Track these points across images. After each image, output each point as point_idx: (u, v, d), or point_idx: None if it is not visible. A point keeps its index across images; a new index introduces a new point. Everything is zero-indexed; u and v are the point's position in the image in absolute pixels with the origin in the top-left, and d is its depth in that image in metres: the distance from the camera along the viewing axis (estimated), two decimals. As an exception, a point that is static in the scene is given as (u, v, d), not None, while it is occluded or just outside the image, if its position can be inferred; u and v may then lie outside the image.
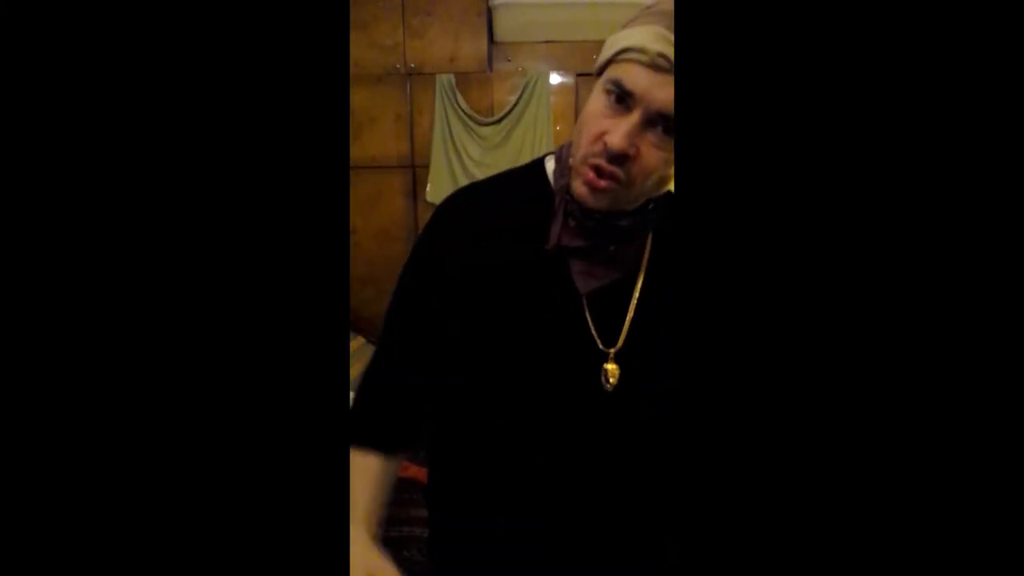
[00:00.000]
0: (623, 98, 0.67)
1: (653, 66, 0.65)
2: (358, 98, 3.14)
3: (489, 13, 3.15)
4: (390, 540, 2.22)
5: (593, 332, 0.75)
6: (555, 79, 3.11)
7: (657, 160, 0.69)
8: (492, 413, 0.76)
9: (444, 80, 3.12)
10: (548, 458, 0.75)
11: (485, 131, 3.15)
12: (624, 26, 0.69)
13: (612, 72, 0.68)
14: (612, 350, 0.75)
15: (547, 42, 3.14)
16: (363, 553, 0.76)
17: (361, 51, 3.13)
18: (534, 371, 0.75)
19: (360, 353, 3.00)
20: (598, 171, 0.69)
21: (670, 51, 0.64)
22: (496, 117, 3.13)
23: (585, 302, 0.76)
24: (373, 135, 3.19)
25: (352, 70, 3.09)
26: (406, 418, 0.83)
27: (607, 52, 0.69)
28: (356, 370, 2.80)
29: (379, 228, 3.19)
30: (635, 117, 0.67)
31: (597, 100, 0.69)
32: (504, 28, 3.17)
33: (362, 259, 3.14)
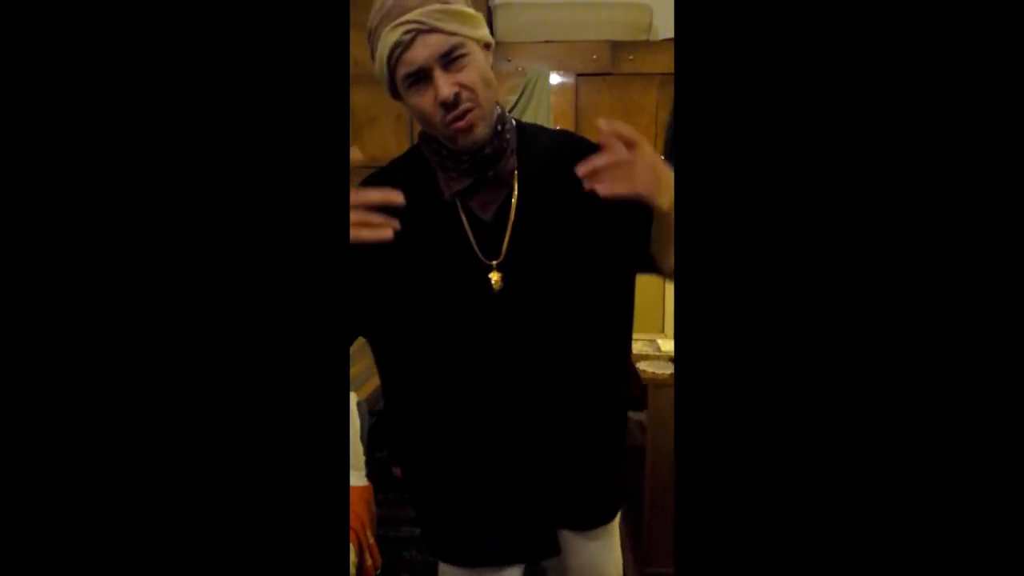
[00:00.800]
0: (420, 76, 0.88)
1: (410, 44, 0.85)
2: (358, 98, 3.13)
3: (489, 13, 3.15)
4: (389, 540, 2.22)
5: (476, 250, 0.94)
6: (555, 79, 3.11)
7: (473, 78, 0.89)
8: (414, 333, 0.97)
9: (444, 80, 3.11)
10: (454, 353, 0.95)
11: (485, 131, 3.14)
12: (378, 35, 0.89)
13: (399, 73, 0.89)
14: (495, 261, 0.94)
15: (547, 42, 3.14)
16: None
17: (361, 51, 3.12)
18: (437, 292, 0.95)
19: (360, 353, 2.99)
20: (456, 120, 0.90)
21: (406, 28, 0.85)
22: (496, 117, 3.13)
23: (469, 229, 0.95)
24: (373, 135, 3.19)
25: (352, 70, 3.08)
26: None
27: (384, 70, 0.90)
28: (356, 370, 2.80)
29: (379, 228, 3.19)
30: (437, 73, 0.87)
31: (413, 98, 0.90)
32: (504, 28, 3.17)
33: (362, 259, 3.14)
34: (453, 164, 0.94)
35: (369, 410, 2.34)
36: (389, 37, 0.86)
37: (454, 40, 0.87)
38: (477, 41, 0.91)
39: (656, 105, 3.01)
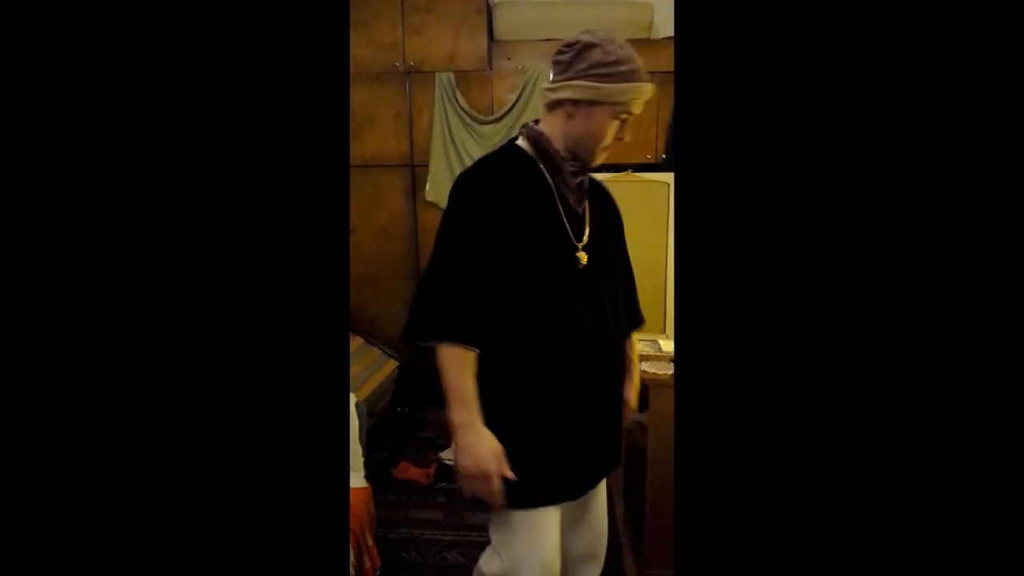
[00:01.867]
0: (625, 116, 1.29)
1: (638, 100, 1.27)
2: (357, 97, 3.14)
3: (489, 11, 3.15)
4: (390, 541, 2.22)
5: (570, 234, 1.33)
6: (555, 78, 3.11)
7: None
8: (528, 293, 1.30)
9: (444, 78, 3.12)
10: (557, 309, 1.31)
11: (485, 129, 3.15)
12: (613, 78, 1.23)
13: (625, 109, 1.27)
14: (581, 244, 1.34)
15: (547, 40, 3.14)
16: (490, 439, 1.25)
17: (360, 49, 3.13)
18: (543, 262, 1.31)
19: (360, 353, 2.99)
20: (606, 152, 1.35)
21: (647, 94, 1.27)
22: (496, 116, 3.14)
23: (565, 218, 1.33)
24: (372, 134, 3.19)
25: (352, 68, 3.09)
26: (484, 321, 1.27)
27: (617, 96, 1.25)
28: (356, 370, 2.79)
29: (378, 227, 3.19)
30: (629, 124, 1.32)
31: (606, 122, 1.28)
32: (504, 26, 3.17)
33: (362, 259, 3.14)
34: (569, 167, 1.34)
35: (369, 411, 2.33)
36: (643, 87, 1.25)
37: None
38: None
39: (656, 103, 3.00)
